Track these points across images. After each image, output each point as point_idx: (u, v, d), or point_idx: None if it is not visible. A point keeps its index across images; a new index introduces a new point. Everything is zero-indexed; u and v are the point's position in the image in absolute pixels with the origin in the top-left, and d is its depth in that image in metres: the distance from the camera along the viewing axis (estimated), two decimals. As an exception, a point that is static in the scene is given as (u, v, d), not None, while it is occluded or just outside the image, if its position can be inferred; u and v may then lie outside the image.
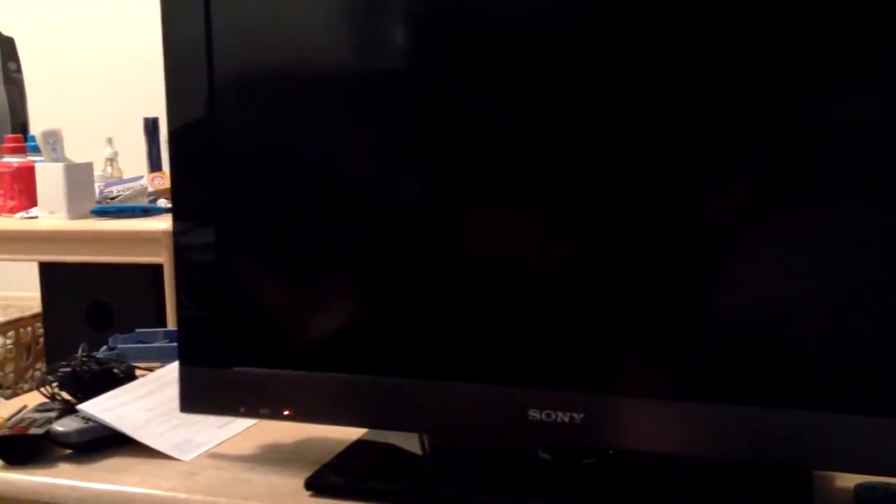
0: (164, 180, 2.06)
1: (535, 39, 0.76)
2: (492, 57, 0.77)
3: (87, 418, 0.91)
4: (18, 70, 2.27)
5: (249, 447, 0.91)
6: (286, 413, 0.85)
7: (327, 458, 0.86)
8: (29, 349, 2.39)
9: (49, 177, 1.92)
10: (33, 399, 0.99)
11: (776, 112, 0.71)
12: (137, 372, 1.04)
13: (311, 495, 0.80)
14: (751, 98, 0.71)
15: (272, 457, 0.89)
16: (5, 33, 2.26)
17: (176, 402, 0.88)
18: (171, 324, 1.71)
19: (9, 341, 2.35)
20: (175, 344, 0.89)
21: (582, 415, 0.76)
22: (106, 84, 2.68)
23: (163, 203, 2.00)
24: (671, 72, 0.73)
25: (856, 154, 0.70)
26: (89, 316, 2.13)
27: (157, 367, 1.06)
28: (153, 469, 0.87)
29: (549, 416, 0.77)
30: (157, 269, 1.85)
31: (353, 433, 0.91)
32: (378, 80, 0.81)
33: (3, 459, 0.88)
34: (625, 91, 0.74)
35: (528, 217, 0.78)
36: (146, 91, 1.95)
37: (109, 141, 2.30)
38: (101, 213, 1.91)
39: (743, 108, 0.72)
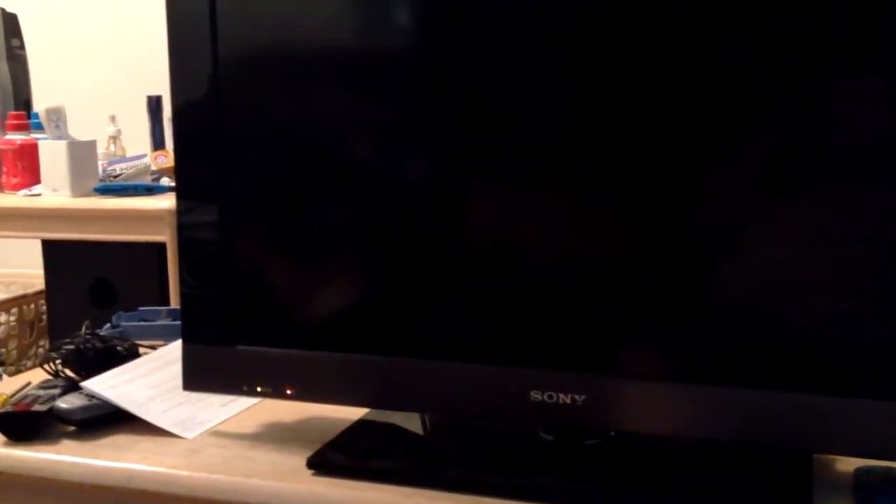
0: (167, 158, 2.06)
1: (542, 16, 0.75)
2: (498, 37, 0.77)
3: (90, 395, 0.92)
4: (22, 47, 2.27)
5: (252, 426, 0.92)
6: (289, 392, 0.85)
7: (329, 437, 0.87)
8: (32, 326, 2.40)
9: (52, 154, 1.91)
10: (37, 376, 1.00)
11: (780, 96, 0.71)
12: (141, 350, 1.05)
13: (314, 474, 0.81)
14: (755, 82, 0.71)
15: (274, 435, 0.89)
16: (8, 10, 2.25)
17: (179, 380, 0.89)
18: (174, 302, 1.72)
19: (12, 318, 2.35)
20: (178, 322, 0.89)
21: (584, 396, 0.77)
22: (109, 61, 2.68)
23: (166, 181, 2.00)
24: (675, 53, 0.72)
25: (861, 138, 0.70)
26: (92, 294, 2.13)
27: (161, 345, 1.07)
28: (156, 446, 0.87)
29: (550, 397, 0.77)
30: (160, 248, 1.85)
31: (355, 413, 0.91)
32: (383, 59, 0.81)
33: (7, 436, 0.89)
34: (631, 75, 0.74)
35: (531, 198, 0.78)
36: (149, 69, 1.95)
37: (112, 119, 2.30)
38: (105, 191, 1.91)
39: (746, 93, 0.71)
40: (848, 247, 0.71)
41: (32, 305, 2.39)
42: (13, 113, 2.10)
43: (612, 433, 0.83)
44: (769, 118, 0.72)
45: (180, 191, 0.87)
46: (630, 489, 0.77)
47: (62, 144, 1.90)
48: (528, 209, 0.78)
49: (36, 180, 1.98)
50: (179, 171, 0.88)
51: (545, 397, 0.77)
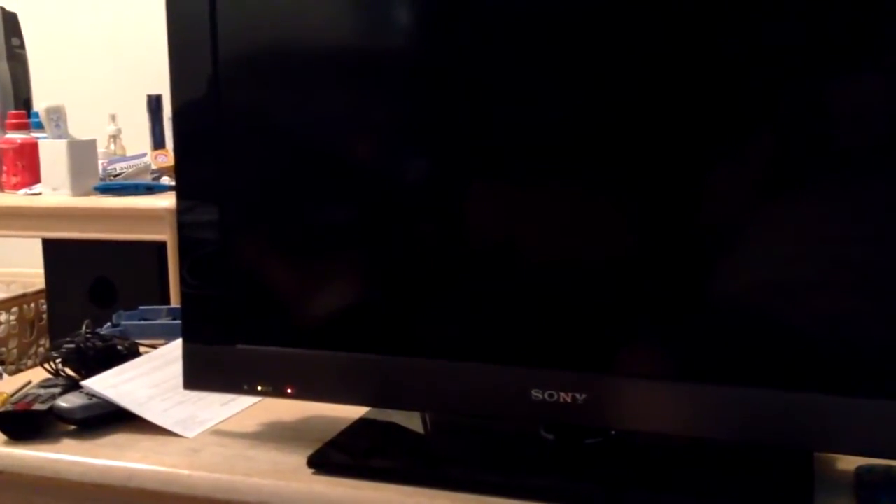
0: (167, 157, 2.06)
1: (542, 16, 0.75)
2: (498, 37, 0.77)
3: (90, 394, 0.92)
4: (22, 46, 2.27)
5: (252, 425, 0.92)
6: (289, 391, 0.85)
7: (330, 436, 0.87)
8: (32, 325, 2.40)
9: (52, 153, 1.92)
10: (37, 375, 1.00)
11: (780, 96, 0.71)
12: (141, 349, 1.05)
13: (314, 473, 0.81)
14: (755, 81, 0.71)
15: (275, 434, 0.89)
16: (9, 9, 2.25)
17: (179, 380, 0.89)
18: (175, 301, 1.72)
19: (12, 317, 2.35)
20: (178, 321, 0.89)
21: (584, 395, 0.77)
22: (109, 61, 2.68)
23: (166, 180, 2.00)
24: (674, 52, 0.72)
25: (861, 138, 0.70)
26: (93, 293, 2.13)
27: (161, 345, 1.07)
28: (156, 445, 0.87)
29: (551, 396, 0.77)
30: (160, 247, 1.85)
31: (355, 412, 0.91)
32: (383, 59, 0.81)
33: (7, 435, 0.89)
34: (631, 74, 0.74)
35: (531, 198, 0.78)
36: (150, 68, 1.95)
37: (113, 118, 2.30)
38: (105, 190, 1.91)
39: (746, 92, 0.71)
40: (848, 247, 0.71)
41: (33, 304, 2.39)
42: (13, 112, 2.10)
43: (613, 432, 0.83)
44: (769, 118, 0.72)
45: (180, 190, 0.88)
46: (630, 489, 0.77)
47: (62, 143, 1.90)
48: (528, 209, 0.78)
49: (36, 179, 1.98)
50: (180, 170, 0.88)
51: (546, 396, 0.77)
